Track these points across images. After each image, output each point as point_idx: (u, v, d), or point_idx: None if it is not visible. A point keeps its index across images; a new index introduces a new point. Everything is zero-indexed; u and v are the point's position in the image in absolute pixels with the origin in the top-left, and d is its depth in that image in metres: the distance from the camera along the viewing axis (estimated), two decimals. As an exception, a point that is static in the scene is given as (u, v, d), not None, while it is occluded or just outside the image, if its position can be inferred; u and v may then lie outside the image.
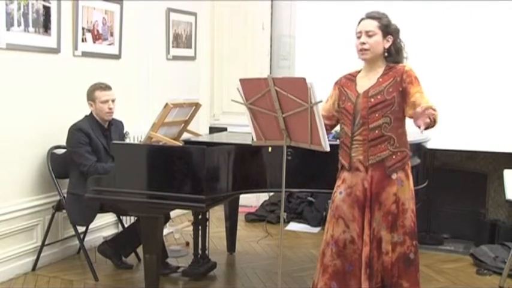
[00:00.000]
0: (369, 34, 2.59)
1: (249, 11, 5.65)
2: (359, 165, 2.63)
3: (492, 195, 4.77)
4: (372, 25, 2.60)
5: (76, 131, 3.64)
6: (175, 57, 5.27)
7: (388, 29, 2.62)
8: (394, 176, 2.59)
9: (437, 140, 3.83)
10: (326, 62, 4.76)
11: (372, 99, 2.58)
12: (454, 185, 4.73)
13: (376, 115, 2.57)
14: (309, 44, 5.04)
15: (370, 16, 2.64)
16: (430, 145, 3.69)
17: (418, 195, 3.53)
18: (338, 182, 2.72)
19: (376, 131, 2.58)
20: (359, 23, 2.66)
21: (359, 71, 2.72)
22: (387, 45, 2.62)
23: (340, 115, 2.71)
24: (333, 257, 2.64)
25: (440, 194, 4.65)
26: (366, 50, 2.60)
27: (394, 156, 2.58)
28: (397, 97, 2.56)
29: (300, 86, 2.49)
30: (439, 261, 4.20)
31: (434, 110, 2.38)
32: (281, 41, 5.63)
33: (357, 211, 2.62)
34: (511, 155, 4.44)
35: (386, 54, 2.64)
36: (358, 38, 2.63)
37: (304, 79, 2.49)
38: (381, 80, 2.61)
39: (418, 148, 3.45)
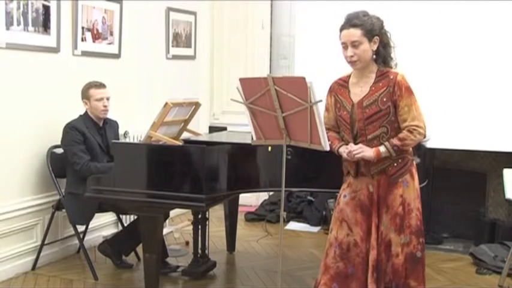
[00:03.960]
0: (354, 45, 2.52)
1: (249, 10, 5.65)
2: (364, 171, 2.63)
3: (492, 194, 4.77)
4: (356, 35, 2.51)
5: (70, 129, 3.64)
6: (175, 57, 5.27)
7: (373, 32, 2.53)
8: (400, 179, 2.60)
9: (436, 139, 3.83)
10: (326, 61, 4.75)
11: (367, 110, 2.55)
12: (454, 184, 4.73)
13: (373, 126, 2.55)
14: (308, 44, 5.03)
15: (352, 24, 2.52)
16: (429, 144, 3.69)
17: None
18: (344, 186, 2.72)
19: (375, 142, 2.57)
20: (341, 30, 2.56)
21: (349, 75, 2.68)
22: (375, 46, 2.55)
23: (339, 122, 2.70)
24: (336, 259, 2.64)
25: (439, 193, 4.65)
26: (355, 61, 2.54)
27: (395, 164, 2.58)
28: (391, 107, 2.54)
29: (299, 85, 2.49)
30: (439, 260, 4.20)
31: (354, 151, 2.55)
32: (281, 40, 5.64)
33: (360, 215, 2.63)
34: (511, 154, 4.44)
35: (374, 56, 2.58)
36: (344, 48, 2.56)
37: (304, 78, 2.48)
38: (373, 88, 2.57)
39: (418, 147, 3.44)
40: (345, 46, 2.56)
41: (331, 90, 2.72)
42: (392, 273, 2.58)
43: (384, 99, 2.53)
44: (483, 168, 4.78)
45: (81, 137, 3.63)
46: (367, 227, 2.61)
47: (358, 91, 2.61)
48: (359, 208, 2.63)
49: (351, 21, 2.54)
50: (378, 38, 2.55)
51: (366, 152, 2.54)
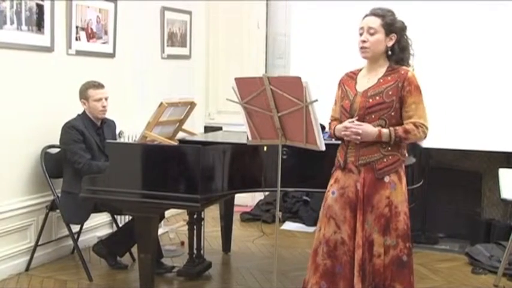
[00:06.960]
0: (370, 32, 2.56)
1: (244, 9, 5.64)
2: (352, 167, 2.62)
3: (487, 194, 4.78)
4: (375, 23, 2.56)
5: (69, 128, 3.64)
6: (170, 56, 5.25)
7: (392, 28, 2.57)
8: (387, 179, 2.57)
9: (432, 139, 3.82)
10: (321, 61, 4.76)
11: (371, 100, 2.56)
12: (449, 184, 4.74)
13: (373, 116, 2.55)
14: (304, 43, 5.03)
15: (374, 13, 2.59)
16: (425, 144, 3.69)
17: (413, 194, 3.56)
18: (331, 181, 2.70)
19: None
20: (363, 18, 2.62)
21: (361, 69, 2.70)
22: (390, 43, 2.59)
23: (340, 113, 2.70)
24: (324, 256, 2.64)
25: (435, 193, 4.65)
26: (366, 48, 2.57)
27: (385, 160, 2.57)
28: (395, 102, 2.54)
29: (295, 85, 2.48)
30: (434, 260, 4.20)
31: (355, 130, 2.52)
32: (276, 39, 5.63)
33: (349, 212, 2.61)
34: (506, 154, 4.44)
35: (389, 52, 2.60)
36: (360, 34, 2.60)
37: (299, 78, 2.48)
38: (381, 80, 2.58)
39: (413, 147, 3.45)
40: (361, 32, 2.60)
41: (340, 82, 2.75)
42: (372, 273, 2.57)
43: (390, 93, 2.54)
44: (478, 168, 4.79)
45: (80, 136, 3.63)
46: (355, 225, 2.60)
47: (365, 82, 2.63)
48: (348, 205, 2.61)
49: (374, 10, 2.61)
50: (395, 35, 2.58)
51: (366, 127, 2.51)
